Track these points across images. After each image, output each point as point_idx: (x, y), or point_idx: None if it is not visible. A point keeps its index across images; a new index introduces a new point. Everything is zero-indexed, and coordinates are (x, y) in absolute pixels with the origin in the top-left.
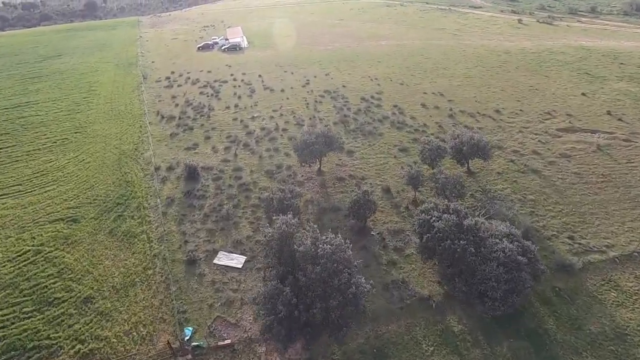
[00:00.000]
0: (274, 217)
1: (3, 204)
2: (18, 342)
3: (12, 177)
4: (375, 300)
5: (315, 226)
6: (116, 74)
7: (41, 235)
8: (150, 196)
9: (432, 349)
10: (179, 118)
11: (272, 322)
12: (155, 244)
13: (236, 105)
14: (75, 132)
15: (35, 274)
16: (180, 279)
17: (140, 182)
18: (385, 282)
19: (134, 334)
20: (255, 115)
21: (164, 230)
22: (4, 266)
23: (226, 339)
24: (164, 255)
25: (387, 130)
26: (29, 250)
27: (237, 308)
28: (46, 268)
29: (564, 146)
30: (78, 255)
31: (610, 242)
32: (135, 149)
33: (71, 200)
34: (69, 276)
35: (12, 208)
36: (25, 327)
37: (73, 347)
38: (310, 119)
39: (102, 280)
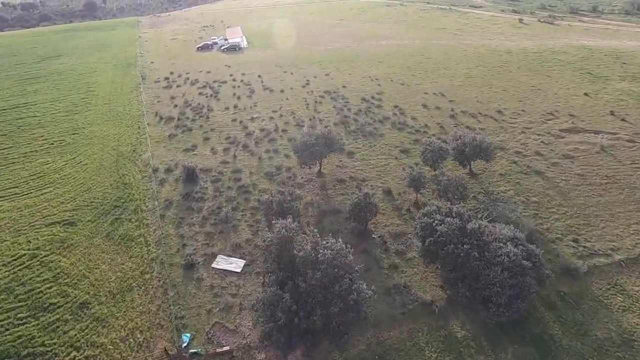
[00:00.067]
0: (273, 222)
1: None
2: (12, 349)
3: (8, 179)
4: (377, 305)
5: (315, 230)
6: (115, 74)
7: (37, 238)
8: (148, 199)
9: (435, 355)
10: (178, 119)
11: (271, 330)
12: (152, 247)
13: (235, 106)
14: (73, 134)
15: (30, 279)
16: (178, 284)
17: (138, 185)
18: (386, 286)
19: (131, 340)
20: (254, 116)
21: (162, 234)
22: None
23: (225, 346)
24: (162, 259)
25: (388, 131)
26: (25, 255)
27: (235, 313)
28: (42, 272)
29: (567, 147)
30: (74, 259)
31: (615, 245)
32: (133, 151)
33: (68, 202)
34: (65, 281)
35: (7, 211)
36: (20, 333)
37: (68, 354)
38: (310, 119)
39: (98, 285)
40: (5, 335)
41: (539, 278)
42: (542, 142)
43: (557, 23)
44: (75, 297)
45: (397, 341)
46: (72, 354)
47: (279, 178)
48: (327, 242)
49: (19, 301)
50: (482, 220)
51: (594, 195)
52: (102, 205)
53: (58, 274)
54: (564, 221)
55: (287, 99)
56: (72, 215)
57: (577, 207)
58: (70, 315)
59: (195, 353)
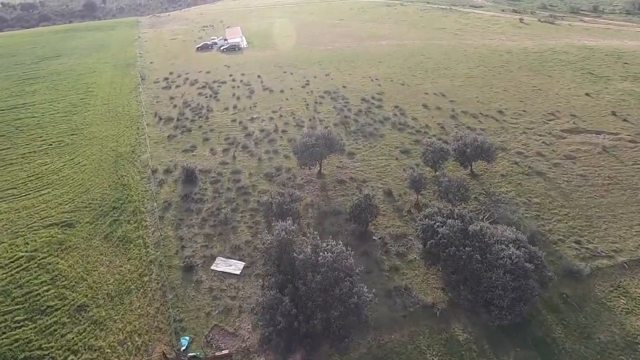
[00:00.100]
0: (273, 224)
1: None
2: (9, 353)
3: (6, 180)
4: (378, 308)
5: (315, 233)
6: (114, 75)
7: (35, 240)
8: (147, 200)
9: (436, 359)
10: (177, 119)
11: (270, 334)
12: (151, 249)
13: (235, 107)
14: (72, 134)
15: (28, 281)
16: (177, 286)
17: (137, 186)
18: (387, 288)
19: (129, 343)
20: (254, 116)
21: (161, 235)
22: None
23: (224, 349)
24: (161, 261)
25: (388, 131)
26: (22, 257)
27: (235, 316)
28: (39, 275)
29: (569, 147)
30: (72, 261)
31: (618, 247)
32: (132, 152)
33: (66, 204)
34: (63, 283)
35: (5, 212)
36: (17, 337)
37: (65, 358)
38: (310, 120)
39: (96, 287)
40: (2, 339)
41: (541, 280)
42: (543, 142)
43: (557, 23)
44: (73, 300)
45: (398, 344)
46: (69, 358)
47: (279, 179)
48: (328, 245)
49: (16, 304)
50: (483, 221)
51: (596, 196)
52: (100, 207)
53: (56, 276)
54: (566, 222)
55: (287, 99)
56: (71, 217)
57: (579, 208)
58: (67, 318)
59: (194, 357)
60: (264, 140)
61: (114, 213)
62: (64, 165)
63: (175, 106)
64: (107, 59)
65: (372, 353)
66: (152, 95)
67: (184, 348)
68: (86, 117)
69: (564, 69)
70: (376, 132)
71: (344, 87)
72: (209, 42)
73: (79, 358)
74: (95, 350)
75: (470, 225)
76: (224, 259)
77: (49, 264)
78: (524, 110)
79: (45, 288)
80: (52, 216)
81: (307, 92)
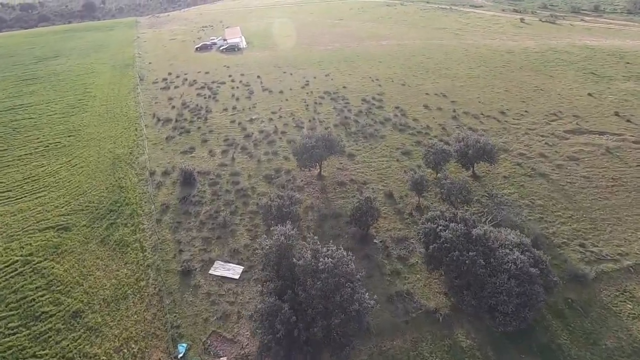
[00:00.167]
0: (272, 228)
1: None
2: None
3: (2, 183)
4: (379, 314)
5: (315, 237)
6: (112, 75)
7: (30, 244)
8: (145, 202)
9: None
10: (176, 120)
11: (270, 342)
12: (148, 253)
13: (234, 107)
14: (69, 136)
15: (22, 286)
16: (174, 291)
17: (135, 188)
18: (389, 293)
19: (125, 351)
20: (253, 117)
21: (158, 239)
22: None
23: (222, 356)
24: (158, 265)
25: (389, 132)
26: (17, 261)
27: (233, 322)
28: (34, 280)
29: (572, 148)
30: (68, 265)
31: (623, 250)
32: (130, 153)
33: (62, 207)
34: (58, 288)
35: (1, 215)
36: (10, 343)
37: None
38: (309, 121)
39: (92, 292)
40: None
41: (546, 285)
42: (546, 143)
43: (558, 22)
44: (68, 306)
45: (400, 351)
46: None
47: (278, 181)
48: (328, 250)
49: (10, 310)
50: (486, 224)
51: (600, 198)
52: (97, 210)
53: (51, 281)
54: (570, 225)
55: (287, 100)
56: (67, 220)
57: (583, 210)
58: (62, 325)
59: None
60: (263, 142)
61: (111, 216)
62: (61, 167)
63: (173, 107)
64: (106, 59)
65: None
66: (151, 96)
67: (181, 355)
68: (84, 119)
69: (566, 69)
70: (377, 133)
71: (344, 87)
72: (208, 43)
73: None
74: (91, 357)
75: (474, 229)
76: (222, 263)
77: (45, 268)
78: (526, 111)
79: (40, 293)
80: (48, 219)
81: (307, 93)
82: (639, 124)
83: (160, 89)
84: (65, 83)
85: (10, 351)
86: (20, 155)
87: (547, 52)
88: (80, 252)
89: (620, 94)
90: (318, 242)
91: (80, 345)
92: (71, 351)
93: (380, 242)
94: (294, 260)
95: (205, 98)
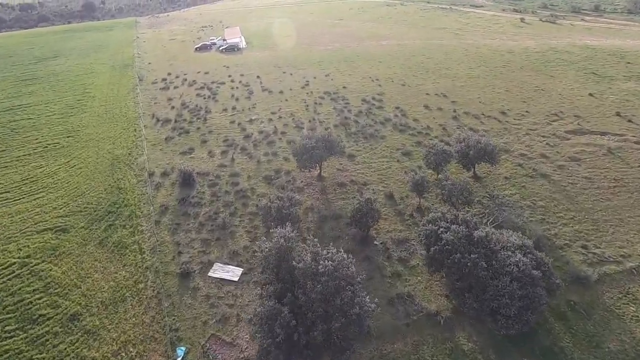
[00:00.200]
0: (272, 230)
1: None
2: None
3: (0, 184)
4: (380, 316)
5: (315, 240)
6: (112, 75)
7: (28, 246)
8: (144, 204)
9: None
10: (175, 121)
11: (269, 346)
12: (147, 255)
13: (234, 108)
14: (68, 137)
15: (20, 289)
16: (173, 294)
17: (133, 189)
18: (389, 296)
19: (123, 354)
20: (253, 117)
21: (157, 241)
22: None
23: None
24: (157, 267)
25: (389, 133)
26: (15, 263)
27: (233, 325)
28: (32, 282)
29: (573, 149)
30: (66, 267)
31: (626, 252)
32: (129, 154)
33: (61, 208)
34: (56, 291)
35: None
36: (7, 347)
37: None
38: (309, 121)
39: (90, 295)
40: None
41: (548, 288)
42: (547, 144)
43: (559, 22)
44: (66, 308)
45: (401, 354)
46: None
47: (278, 182)
48: (328, 253)
49: (7, 312)
50: (487, 225)
51: (602, 199)
52: (95, 211)
53: (49, 283)
54: (572, 226)
55: (287, 100)
56: (65, 222)
57: (585, 211)
58: (60, 328)
59: None
60: (263, 142)
61: (110, 217)
62: (59, 168)
63: (173, 107)
64: (105, 59)
65: None
66: (150, 97)
67: (179, 359)
68: (83, 119)
69: (567, 68)
70: (377, 134)
71: (344, 87)
72: (207, 43)
73: None
74: None
75: (476, 231)
76: (221, 265)
77: (42, 270)
78: (526, 111)
79: (37, 296)
80: (46, 221)
81: (307, 93)
82: None
83: (160, 89)
84: (65, 83)
85: (7, 355)
86: (19, 156)
87: (547, 52)
88: (78, 254)
89: (621, 94)
90: (318, 245)
91: (77, 348)
92: (68, 355)
93: (381, 243)
94: (294, 263)
95: (204, 98)
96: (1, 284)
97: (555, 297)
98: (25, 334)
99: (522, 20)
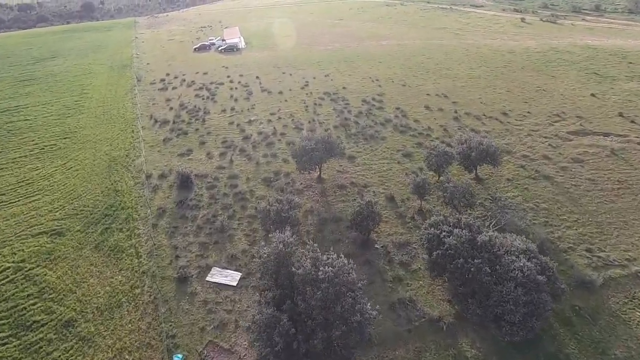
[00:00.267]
0: (270, 234)
1: None
2: None
3: None
4: (381, 322)
5: (315, 245)
6: (110, 76)
7: (22, 250)
8: (141, 206)
9: None
10: (173, 122)
11: (268, 354)
12: (144, 259)
13: (232, 109)
14: (65, 138)
15: (14, 294)
16: (170, 299)
17: (130, 191)
18: (391, 301)
19: None
20: (252, 118)
21: (154, 244)
22: None
23: None
24: (153, 272)
25: (389, 134)
26: (9, 268)
27: (231, 332)
28: (26, 287)
29: (576, 150)
30: (61, 272)
31: (631, 255)
32: (126, 156)
33: (56, 211)
34: (50, 296)
35: None
36: (0, 355)
37: None
38: (309, 122)
39: (85, 300)
40: None
41: (553, 293)
42: (549, 145)
43: (560, 22)
44: (60, 315)
45: None
46: None
47: (277, 184)
48: (328, 258)
49: (1, 319)
50: (490, 228)
51: (606, 201)
52: (92, 214)
53: (43, 288)
54: (576, 229)
55: (286, 100)
56: (61, 225)
57: (589, 214)
58: (54, 335)
59: None
60: (262, 144)
61: (106, 221)
62: (56, 170)
63: (171, 108)
64: (104, 60)
65: None
66: (148, 97)
67: None
68: (80, 120)
69: (568, 68)
70: (377, 135)
71: (343, 88)
72: (206, 43)
73: None
74: None
75: (479, 236)
76: (219, 269)
77: (37, 275)
78: (528, 112)
79: (31, 301)
80: (42, 224)
81: (307, 94)
82: None
83: (158, 89)
84: (62, 84)
85: None
86: (15, 158)
87: (548, 52)
88: (73, 258)
89: (623, 94)
90: (318, 250)
91: (72, 356)
92: None
93: (382, 247)
94: (293, 269)
95: (203, 99)
96: None
97: (560, 302)
98: (18, 341)
99: (522, 20)
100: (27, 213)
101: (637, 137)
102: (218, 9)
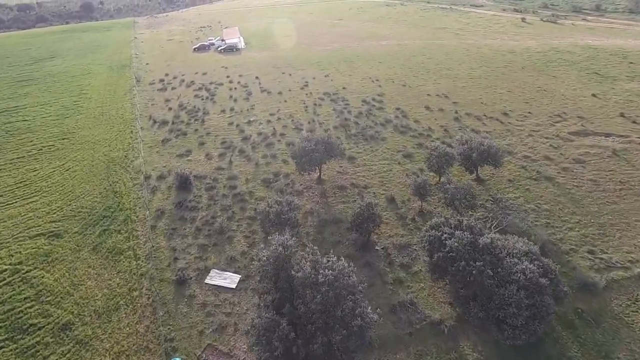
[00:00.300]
0: (270, 237)
1: None
2: None
3: None
4: (382, 325)
5: (315, 248)
6: (109, 76)
7: (20, 252)
8: (139, 208)
9: None
10: (172, 123)
11: (267, 359)
12: (142, 261)
13: (232, 109)
14: (63, 139)
15: (10, 297)
16: (169, 302)
17: (129, 193)
18: (391, 303)
19: None
20: (251, 119)
21: (153, 246)
22: None
23: None
24: (152, 274)
25: (390, 134)
26: (6, 270)
27: (230, 335)
28: (23, 290)
29: (578, 151)
30: (58, 274)
31: (634, 257)
32: (125, 156)
33: (54, 212)
34: (48, 299)
35: None
36: None
37: None
38: (309, 123)
39: (83, 303)
40: None
41: (556, 296)
42: (551, 145)
43: (560, 22)
44: (57, 318)
45: None
46: None
47: (277, 185)
48: (328, 261)
49: None
50: (491, 229)
51: (608, 202)
52: (90, 216)
53: (40, 291)
54: (578, 231)
55: (286, 101)
56: (58, 227)
57: (591, 215)
58: (51, 338)
59: None
60: (261, 144)
61: (104, 222)
62: (54, 171)
63: (170, 109)
64: (103, 60)
65: None
66: (147, 98)
67: None
68: (78, 121)
69: (569, 69)
70: (377, 135)
71: (343, 88)
72: (206, 43)
73: None
74: None
75: (481, 238)
76: (218, 271)
77: (34, 277)
78: (529, 112)
79: (28, 304)
80: (39, 226)
81: (306, 94)
82: None
83: (157, 90)
84: (61, 84)
85: None
86: (13, 159)
87: (549, 52)
88: (71, 261)
89: (624, 94)
90: (318, 253)
91: None
92: None
93: (382, 249)
94: (293, 272)
95: (202, 99)
96: None
97: (563, 305)
98: (15, 345)
99: (523, 20)
100: (24, 214)
101: (639, 138)
102: (218, 9)
